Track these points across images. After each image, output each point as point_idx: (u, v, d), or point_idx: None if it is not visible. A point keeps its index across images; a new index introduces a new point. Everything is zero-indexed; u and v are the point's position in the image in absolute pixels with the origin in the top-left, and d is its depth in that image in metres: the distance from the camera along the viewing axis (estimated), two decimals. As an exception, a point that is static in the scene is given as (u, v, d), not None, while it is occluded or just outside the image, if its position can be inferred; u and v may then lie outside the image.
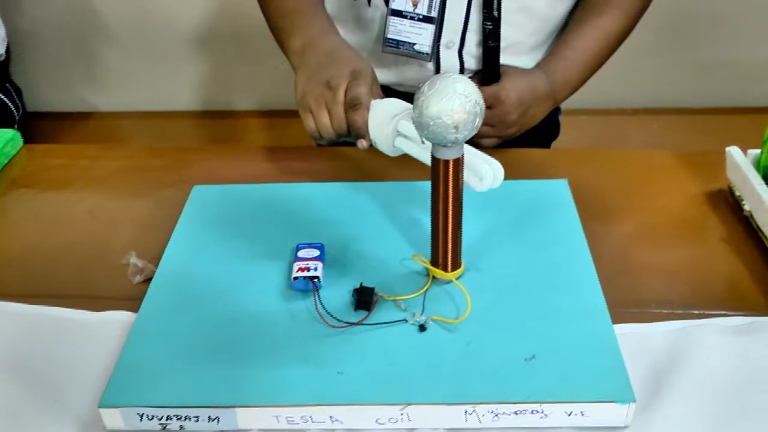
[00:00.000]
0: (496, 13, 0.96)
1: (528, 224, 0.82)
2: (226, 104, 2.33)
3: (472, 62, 1.02)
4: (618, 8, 1.02)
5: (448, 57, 1.01)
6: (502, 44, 0.98)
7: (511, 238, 0.80)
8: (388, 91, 0.99)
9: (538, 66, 1.04)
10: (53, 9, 2.17)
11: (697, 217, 0.87)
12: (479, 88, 0.89)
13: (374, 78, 0.83)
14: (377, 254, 0.78)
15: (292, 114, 2.25)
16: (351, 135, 0.81)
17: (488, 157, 0.71)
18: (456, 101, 0.62)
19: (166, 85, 2.27)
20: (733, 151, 0.87)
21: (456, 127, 0.63)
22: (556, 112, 1.18)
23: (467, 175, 0.71)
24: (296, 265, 0.74)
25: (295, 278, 0.73)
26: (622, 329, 0.69)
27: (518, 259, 0.77)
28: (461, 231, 0.72)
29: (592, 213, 0.86)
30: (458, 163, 0.67)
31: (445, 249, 0.72)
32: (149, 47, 2.20)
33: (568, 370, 0.63)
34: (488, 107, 0.96)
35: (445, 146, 0.66)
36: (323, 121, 0.83)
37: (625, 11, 1.03)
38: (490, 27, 0.97)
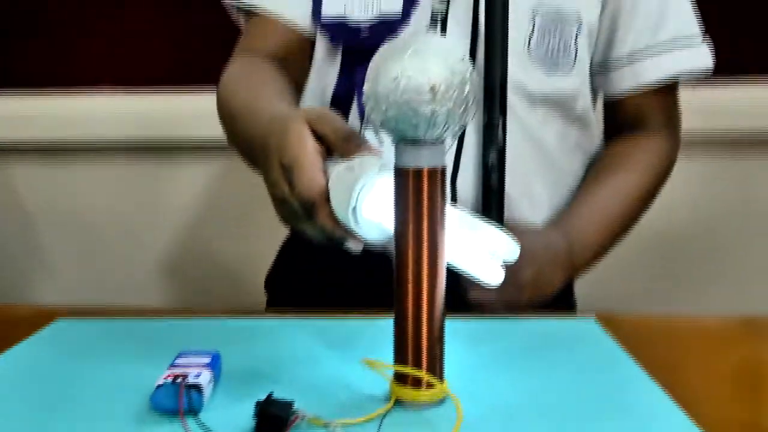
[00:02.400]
0: (500, 140, 0.76)
1: (551, 354, 0.53)
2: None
3: (470, 196, 0.79)
4: (638, 164, 0.86)
5: None
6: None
7: (525, 363, 0.51)
8: None
9: (548, 226, 0.84)
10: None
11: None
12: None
13: (313, 125, 0.57)
14: (304, 354, 0.49)
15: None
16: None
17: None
18: (431, 56, 0.40)
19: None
20: None
21: (433, 89, 0.39)
22: (571, 298, 0.92)
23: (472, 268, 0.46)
24: (167, 372, 0.44)
25: (159, 386, 0.42)
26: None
27: (539, 384, 0.47)
28: (444, 310, 0.44)
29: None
30: (436, 176, 0.42)
31: (417, 344, 0.43)
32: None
33: None
34: None
35: (414, 141, 0.41)
36: (311, 233, 0.56)
37: (645, 169, 0.87)
38: (494, 161, 0.77)
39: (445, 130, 0.41)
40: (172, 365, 0.45)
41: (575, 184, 0.87)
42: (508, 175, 0.78)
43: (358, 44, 0.78)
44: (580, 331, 0.60)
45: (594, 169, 0.87)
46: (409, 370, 0.43)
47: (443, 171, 0.42)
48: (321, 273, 0.86)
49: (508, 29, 0.75)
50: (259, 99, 0.72)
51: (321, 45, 0.84)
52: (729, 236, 1.30)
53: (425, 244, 0.43)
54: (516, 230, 0.70)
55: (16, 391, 0.48)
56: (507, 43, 0.75)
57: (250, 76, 0.80)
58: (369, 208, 0.45)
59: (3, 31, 1.31)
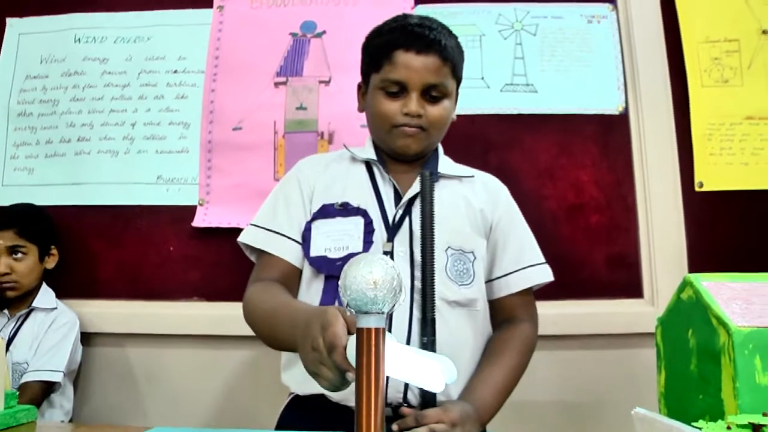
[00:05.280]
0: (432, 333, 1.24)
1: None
2: None
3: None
4: (513, 348, 1.38)
5: None
6: None
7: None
8: None
9: (465, 400, 1.28)
10: None
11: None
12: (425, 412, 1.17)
13: (343, 315, 0.94)
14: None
15: None
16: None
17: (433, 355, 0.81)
18: (376, 264, 0.75)
19: None
20: (640, 411, 0.83)
21: (375, 283, 0.74)
22: None
23: (421, 381, 0.79)
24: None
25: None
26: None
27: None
28: (384, 402, 0.75)
29: None
30: (379, 334, 0.75)
31: (368, 424, 0.74)
32: None
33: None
34: (438, 422, 1.16)
35: (366, 312, 0.75)
36: (327, 375, 0.94)
37: (518, 351, 1.38)
38: (429, 345, 1.24)
39: (383, 307, 0.75)
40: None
41: (478, 359, 1.36)
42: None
43: (335, 270, 1.28)
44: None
45: (487, 351, 1.38)
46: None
47: (384, 329, 0.76)
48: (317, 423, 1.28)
49: (434, 261, 1.26)
50: (289, 303, 1.21)
51: (307, 271, 1.36)
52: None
53: (372, 364, 0.75)
54: (450, 403, 1.25)
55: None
56: (433, 269, 1.25)
57: (268, 293, 1.28)
58: None
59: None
